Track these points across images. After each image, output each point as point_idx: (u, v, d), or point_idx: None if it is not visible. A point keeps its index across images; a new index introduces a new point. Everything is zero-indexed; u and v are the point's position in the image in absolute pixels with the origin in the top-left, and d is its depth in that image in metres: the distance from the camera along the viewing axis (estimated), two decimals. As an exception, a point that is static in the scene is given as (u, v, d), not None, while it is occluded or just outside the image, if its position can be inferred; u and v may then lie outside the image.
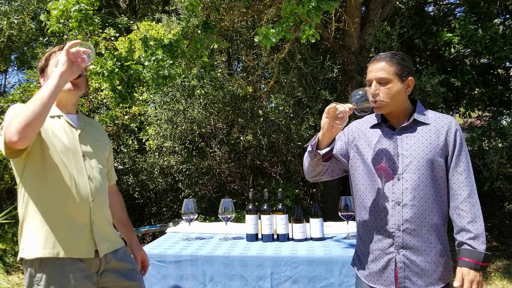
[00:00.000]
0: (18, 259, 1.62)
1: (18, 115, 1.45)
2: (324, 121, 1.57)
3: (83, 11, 3.67)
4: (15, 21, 6.35)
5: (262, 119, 5.81)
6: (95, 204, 1.71)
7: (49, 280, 1.54)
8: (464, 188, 1.62)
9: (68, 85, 1.71)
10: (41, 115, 1.46)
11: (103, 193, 1.79)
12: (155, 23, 6.26)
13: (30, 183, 1.64)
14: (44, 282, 1.54)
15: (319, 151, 1.64)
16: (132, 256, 1.97)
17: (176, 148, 5.71)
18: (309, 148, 1.69)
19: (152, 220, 6.54)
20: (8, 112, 1.58)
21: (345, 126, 1.75)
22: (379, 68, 1.65)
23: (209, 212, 6.02)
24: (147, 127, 5.77)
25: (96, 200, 1.72)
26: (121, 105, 4.21)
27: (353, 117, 1.70)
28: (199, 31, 4.21)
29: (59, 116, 1.74)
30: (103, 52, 4.21)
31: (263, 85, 6.00)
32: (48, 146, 1.63)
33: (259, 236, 2.59)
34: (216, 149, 5.82)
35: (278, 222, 2.55)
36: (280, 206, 2.55)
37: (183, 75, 5.05)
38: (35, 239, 1.57)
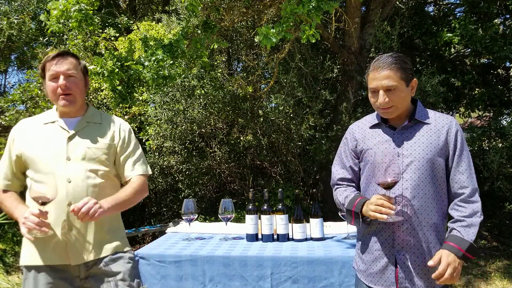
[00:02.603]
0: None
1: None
2: (371, 214, 1.60)
3: (83, 11, 3.67)
4: (15, 21, 6.35)
5: (262, 119, 5.81)
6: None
7: (29, 283, 1.72)
8: (465, 188, 1.62)
9: (62, 102, 1.76)
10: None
11: (90, 197, 1.70)
12: (155, 23, 6.26)
13: (28, 191, 1.77)
14: (27, 283, 1.73)
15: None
16: (129, 265, 1.84)
17: (176, 148, 5.71)
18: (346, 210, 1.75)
19: (152, 220, 6.54)
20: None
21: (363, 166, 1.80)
22: (384, 76, 1.61)
23: (209, 212, 6.02)
24: (147, 127, 5.77)
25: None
26: (121, 105, 4.21)
27: (353, 118, 1.70)
28: (199, 31, 4.21)
29: (53, 122, 1.81)
30: (103, 52, 4.21)
31: (263, 85, 6.00)
32: (35, 156, 1.72)
33: (259, 236, 2.59)
34: (216, 149, 5.82)
35: (278, 222, 2.55)
36: (280, 206, 2.55)
37: (183, 75, 5.05)
38: (24, 247, 1.76)
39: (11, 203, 1.73)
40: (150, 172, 1.99)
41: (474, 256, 1.56)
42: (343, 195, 1.77)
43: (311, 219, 2.58)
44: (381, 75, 1.62)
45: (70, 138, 1.77)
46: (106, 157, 1.84)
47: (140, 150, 2.00)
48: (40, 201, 1.59)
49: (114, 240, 1.82)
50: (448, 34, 5.34)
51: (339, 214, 2.56)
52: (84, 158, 1.76)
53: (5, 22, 6.23)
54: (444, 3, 6.81)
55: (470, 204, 1.60)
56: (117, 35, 5.67)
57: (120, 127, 1.92)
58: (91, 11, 3.76)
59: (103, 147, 1.84)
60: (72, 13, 3.65)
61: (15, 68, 8.30)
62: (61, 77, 1.74)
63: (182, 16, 4.62)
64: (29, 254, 1.72)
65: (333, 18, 4.77)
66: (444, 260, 1.51)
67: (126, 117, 5.87)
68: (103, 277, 1.75)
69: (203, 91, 5.60)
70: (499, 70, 6.32)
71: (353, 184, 1.82)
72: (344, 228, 2.66)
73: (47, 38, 7.14)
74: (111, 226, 1.84)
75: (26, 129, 1.80)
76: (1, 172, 1.80)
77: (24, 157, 1.75)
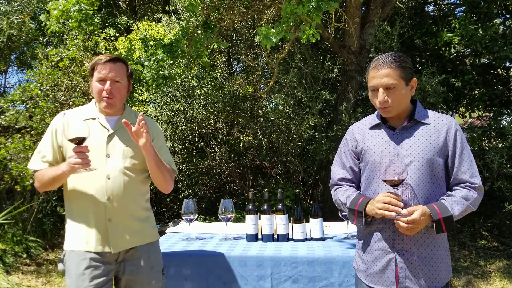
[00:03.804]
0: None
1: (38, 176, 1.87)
2: (378, 212, 1.59)
3: (83, 11, 3.67)
4: (15, 21, 6.34)
5: (262, 119, 5.81)
6: (112, 202, 1.82)
7: (69, 266, 1.85)
8: (472, 184, 1.63)
9: (104, 104, 1.87)
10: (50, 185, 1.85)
11: (127, 192, 1.86)
12: (155, 23, 6.25)
13: (66, 184, 1.88)
14: (67, 267, 1.86)
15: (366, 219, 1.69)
16: (159, 253, 2.03)
17: (176, 148, 5.71)
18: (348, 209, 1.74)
19: (152, 220, 6.51)
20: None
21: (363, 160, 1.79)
22: (383, 74, 1.62)
23: (209, 212, 6.03)
24: (147, 127, 5.76)
25: (114, 199, 1.82)
26: (121, 105, 4.20)
27: (353, 118, 1.70)
28: (199, 31, 4.21)
29: (94, 118, 1.92)
30: (103, 52, 4.21)
31: (263, 85, 6.00)
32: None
33: (259, 236, 2.59)
34: (216, 149, 5.82)
35: (278, 222, 2.55)
36: (280, 206, 2.55)
37: (183, 75, 5.05)
38: (68, 234, 1.89)
39: (52, 169, 1.82)
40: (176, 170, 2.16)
41: (447, 230, 1.56)
42: (344, 194, 1.77)
43: (311, 219, 2.59)
44: (380, 73, 1.63)
45: (110, 136, 1.89)
46: (142, 155, 1.94)
47: (167, 148, 2.15)
48: (76, 141, 1.70)
49: (148, 230, 1.97)
50: (448, 34, 5.34)
51: (339, 214, 2.57)
52: (122, 156, 1.88)
53: (5, 22, 6.22)
54: (444, 3, 6.81)
55: (468, 190, 1.62)
56: (117, 35, 5.66)
57: (153, 126, 2.05)
58: (91, 11, 3.77)
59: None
60: (72, 13, 3.66)
61: (15, 68, 8.28)
62: (108, 82, 1.87)
63: (182, 16, 4.63)
64: (73, 241, 1.85)
65: (333, 18, 4.77)
66: (417, 214, 1.52)
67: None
68: (137, 262, 1.89)
69: (203, 91, 5.59)
70: (499, 70, 6.32)
71: (353, 185, 1.82)
72: (344, 228, 2.67)
73: (47, 38, 7.14)
74: (145, 216, 1.97)
75: (70, 122, 1.88)
76: (45, 157, 1.89)
77: (65, 148, 1.86)
